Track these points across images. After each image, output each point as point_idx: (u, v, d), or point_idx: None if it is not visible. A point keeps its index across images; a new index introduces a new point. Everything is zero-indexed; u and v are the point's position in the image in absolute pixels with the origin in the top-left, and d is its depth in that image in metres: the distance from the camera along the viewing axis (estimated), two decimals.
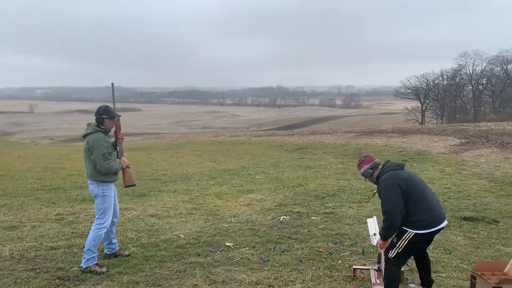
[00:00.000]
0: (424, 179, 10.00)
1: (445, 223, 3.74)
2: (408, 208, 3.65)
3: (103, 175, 4.62)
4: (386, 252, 3.78)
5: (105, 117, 4.66)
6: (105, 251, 4.98)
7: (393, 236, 3.73)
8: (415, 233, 3.61)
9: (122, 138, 4.96)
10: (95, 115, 4.70)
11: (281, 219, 6.57)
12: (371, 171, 3.98)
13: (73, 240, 5.60)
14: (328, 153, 15.17)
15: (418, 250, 3.82)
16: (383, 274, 3.96)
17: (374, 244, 4.25)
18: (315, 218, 6.64)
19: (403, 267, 4.42)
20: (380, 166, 3.97)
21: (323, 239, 5.61)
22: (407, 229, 3.63)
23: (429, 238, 3.75)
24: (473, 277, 3.93)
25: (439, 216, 3.69)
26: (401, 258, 3.74)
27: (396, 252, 3.69)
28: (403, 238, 3.65)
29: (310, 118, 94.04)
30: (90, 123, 4.73)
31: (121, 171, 4.84)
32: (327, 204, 7.51)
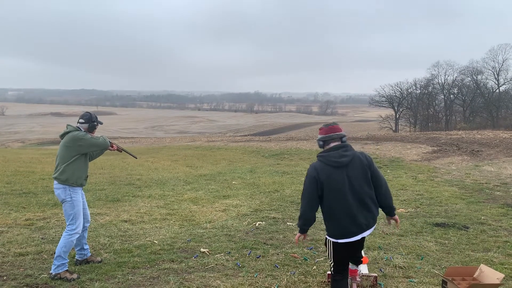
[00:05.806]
0: (397, 185, 10.04)
1: (357, 237, 3.29)
2: (323, 213, 3.36)
3: (69, 178, 4.51)
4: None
5: (96, 124, 4.71)
6: (77, 257, 4.86)
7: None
8: (332, 241, 3.37)
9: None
10: (86, 122, 4.64)
11: (257, 225, 6.56)
12: (321, 143, 3.42)
13: (43, 246, 5.44)
14: (304, 159, 15.27)
15: (348, 255, 3.48)
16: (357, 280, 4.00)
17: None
18: (291, 223, 6.66)
19: (376, 272, 4.48)
20: (331, 145, 3.35)
21: (298, 244, 5.62)
22: (327, 237, 3.43)
23: (351, 246, 3.37)
24: (444, 282, 4.02)
25: (346, 227, 3.27)
26: (336, 267, 3.46)
27: (332, 262, 3.49)
28: (327, 246, 3.44)
29: (287, 124, 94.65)
30: (71, 125, 4.65)
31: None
32: None
